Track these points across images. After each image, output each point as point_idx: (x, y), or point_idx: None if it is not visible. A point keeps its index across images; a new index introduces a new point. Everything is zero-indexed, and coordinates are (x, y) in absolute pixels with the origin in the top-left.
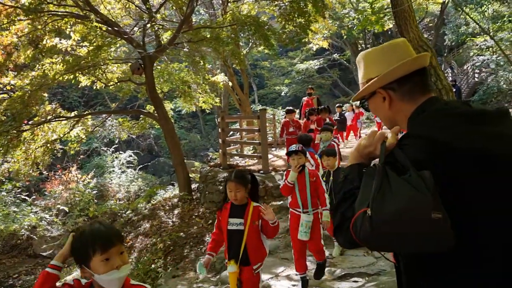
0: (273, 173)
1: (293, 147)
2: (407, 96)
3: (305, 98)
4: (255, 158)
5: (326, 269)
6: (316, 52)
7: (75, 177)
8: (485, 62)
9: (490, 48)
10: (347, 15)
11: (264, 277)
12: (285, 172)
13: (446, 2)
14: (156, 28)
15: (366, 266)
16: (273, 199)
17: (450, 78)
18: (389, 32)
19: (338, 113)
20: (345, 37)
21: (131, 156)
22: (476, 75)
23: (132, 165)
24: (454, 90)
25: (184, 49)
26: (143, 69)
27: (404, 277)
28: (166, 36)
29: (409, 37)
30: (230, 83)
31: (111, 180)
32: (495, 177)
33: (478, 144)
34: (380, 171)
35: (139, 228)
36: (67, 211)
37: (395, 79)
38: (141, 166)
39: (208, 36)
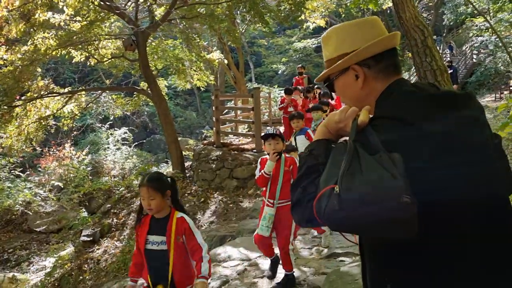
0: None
1: (270, 130)
2: (381, 74)
3: (296, 77)
4: (248, 137)
5: (314, 248)
6: (314, 30)
7: (69, 153)
8: (483, 43)
9: (490, 29)
10: None
11: (252, 255)
12: (260, 160)
13: None
14: (149, 3)
15: (353, 246)
16: None
17: (448, 59)
18: (389, 11)
19: None
20: (343, 15)
21: (126, 133)
22: (475, 56)
23: (127, 142)
24: (450, 71)
25: (178, 26)
26: (136, 45)
27: (368, 266)
28: (159, 12)
29: (405, 16)
30: (226, 61)
31: (106, 157)
32: (460, 161)
33: (447, 127)
34: (351, 148)
35: (132, 205)
36: (62, 187)
37: (372, 55)
38: (136, 143)
39: (203, 12)
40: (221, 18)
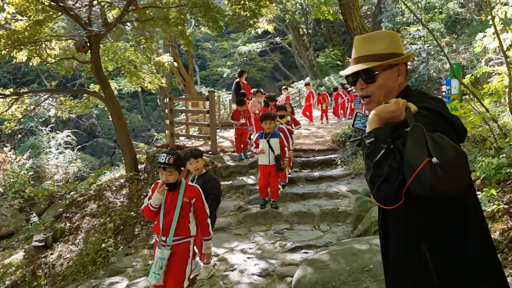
0: (221, 154)
1: (163, 157)
2: (405, 74)
3: (244, 81)
4: (201, 139)
5: (278, 242)
6: (258, 35)
7: (8, 157)
8: (417, 51)
9: (422, 38)
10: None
11: (220, 251)
12: (152, 187)
13: None
14: (103, 5)
15: (314, 239)
16: (222, 179)
17: None
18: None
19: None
20: (287, 21)
21: (69, 136)
22: (409, 63)
23: (70, 146)
24: None
25: (131, 28)
26: (88, 47)
27: (395, 235)
28: (112, 14)
29: (353, 25)
30: (175, 64)
31: (48, 161)
32: (461, 141)
33: (454, 117)
34: (421, 128)
35: (86, 209)
36: (2, 192)
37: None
38: (79, 146)
39: (156, 16)
40: (176, 22)
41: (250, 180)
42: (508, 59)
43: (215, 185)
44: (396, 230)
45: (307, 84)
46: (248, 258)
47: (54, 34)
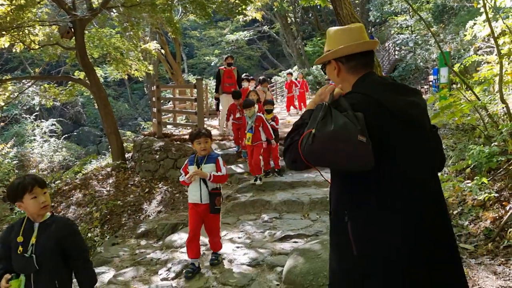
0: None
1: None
2: (351, 70)
3: (223, 68)
4: (188, 127)
5: (267, 232)
6: (246, 23)
7: None
8: (404, 40)
9: (410, 27)
10: None
11: (207, 240)
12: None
13: None
14: None
15: (304, 228)
16: None
17: None
18: (318, 6)
19: None
20: (275, 9)
21: (54, 124)
22: (397, 52)
23: (55, 134)
24: None
25: (117, 13)
26: (72, 32)
27: (333, 196)
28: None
29: (343, 13)
30: (163, 51)
31: (33, 149)
32: (405, 127)
33: (398, 104)
34: (326, 106)
35: (71, 198)
36: None
37: (343, 55)
38: (65, 135)
39: (143, 1)
40: (163, 8)
41: (238, 169)
42: (498, 47)
43: None
44: (332, 204)
45: (289, 73)
46: (237, 247)
47: (38, 20)
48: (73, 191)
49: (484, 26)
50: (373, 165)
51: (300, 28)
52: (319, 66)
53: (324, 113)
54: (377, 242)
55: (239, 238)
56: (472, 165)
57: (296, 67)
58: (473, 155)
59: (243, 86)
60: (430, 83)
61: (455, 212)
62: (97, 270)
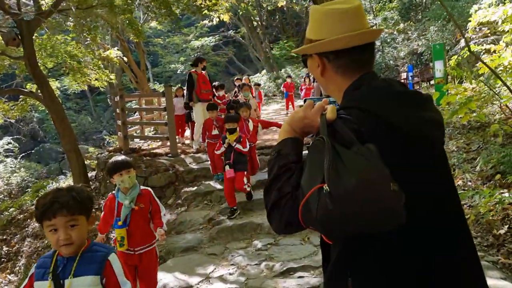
0: (182, 156)
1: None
2: (340, 70)
3: (196, 72)
4: (158, 140)
5: (263, 263)
6: (211, 29)
7: None
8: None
9: (375, 26)
10: None
11: (193, 280)
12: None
13: None
14: None
15: (307, 257)
16: (185, 184)
17: None
18: (283, 9)
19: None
20: (240, 13)
21: (10, 143)
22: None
23: (12, 154)
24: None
25: (70, 17)
26: (19, 39)
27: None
28: (47, 2)
29: (320, 1)
30: (125, 59)
31: None
32: (424, 156)
33: (413, 124)
34: (329, 144)
35: (27, 229)
36: None
37: (331, 51)
38: (23, 154)
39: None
40: (123, 8)
41: (218, 185)
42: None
43: None
44: (332, 254)
45: (256, 85)
46: None
47: None
48: (29, 220)
49: (491, 9)
50: (404, 221)
51: (266, 31)
52: (287, 69)
53: (331, 155)
54: None
55: (230, 274)
56: (502, 170)
57: (264, 71)
58: (504, 159)
59: (217, 95)
60: (405, 80)
61: (501, 231)
62: None
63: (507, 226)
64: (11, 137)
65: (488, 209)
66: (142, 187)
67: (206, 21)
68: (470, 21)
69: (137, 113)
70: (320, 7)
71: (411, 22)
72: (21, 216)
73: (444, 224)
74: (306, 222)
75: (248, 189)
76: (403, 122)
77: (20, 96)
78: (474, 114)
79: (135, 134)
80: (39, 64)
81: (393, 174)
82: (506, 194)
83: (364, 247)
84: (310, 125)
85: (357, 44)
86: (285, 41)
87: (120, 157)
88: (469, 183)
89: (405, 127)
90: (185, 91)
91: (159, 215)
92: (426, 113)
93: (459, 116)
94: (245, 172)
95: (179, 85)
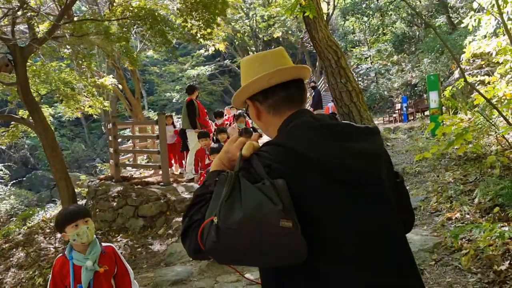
0: (174, 185)
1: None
2: (272, 110)
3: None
4: (151, 169)
5: None
6: (207, 58)
7: None
8: (367, 70)
9: (369, 58)
10: (239, 21)
11: None
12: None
13: (332, 12)
14: (29, 15)
15: None
16: (177, 214)
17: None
18: (279, 39)
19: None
20: (236, 42)
21: (0, 170)
22: (361, 82)
23: (2, 181)
24: (313, 93)
25: (65, 44)
26: (12, 65)
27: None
28: (42, 28)
29: (318, 36)
30: (120, 86)
31: None
32: (346, 188)
33: (334, 157)
34: (232, 178)
35: (11, 259)
36: None
37: (257, 92)
38: (14, 181)
39: (95, 30)
40: (118, 36)
41: None
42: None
43: None
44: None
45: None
46: None
47: None
48: (14, 249)
49: (485, 41)
50: (304, 258)
51: None
52: None
53: (229, 189)
54: None
55: None
56: (500, 203)
57: None
58: (503, 192)
59: (216, 122)
60: (398, 111)
61: (502, 267)
62: None
63: (508, 262)
64: (2, 164)
65: (488, 244)
66: (104, 244)
67: (202, 51)
68: (463, 53)
69: (130, 141)
70: (247, 57)
71: (405, 54)
72: (6, 245)
73: (374, 257)
74: (208, 253)
75: None
76: (321, 155)
77: (12, 122)
78: (471, 145)
79: (127, 162)
80: (32, 91)
81: (312, 207)
82: (506, 228)
83: (296, 284)
84: (232, 159)
85: (279, 81)
86: None
87: (73, 206)
88: (467, 216)
89: (324, 160)
90: (174, 119)
91: (128, 280)
92: (357, 144)
93: (455, 147)
94: None
95: (168, 113)
